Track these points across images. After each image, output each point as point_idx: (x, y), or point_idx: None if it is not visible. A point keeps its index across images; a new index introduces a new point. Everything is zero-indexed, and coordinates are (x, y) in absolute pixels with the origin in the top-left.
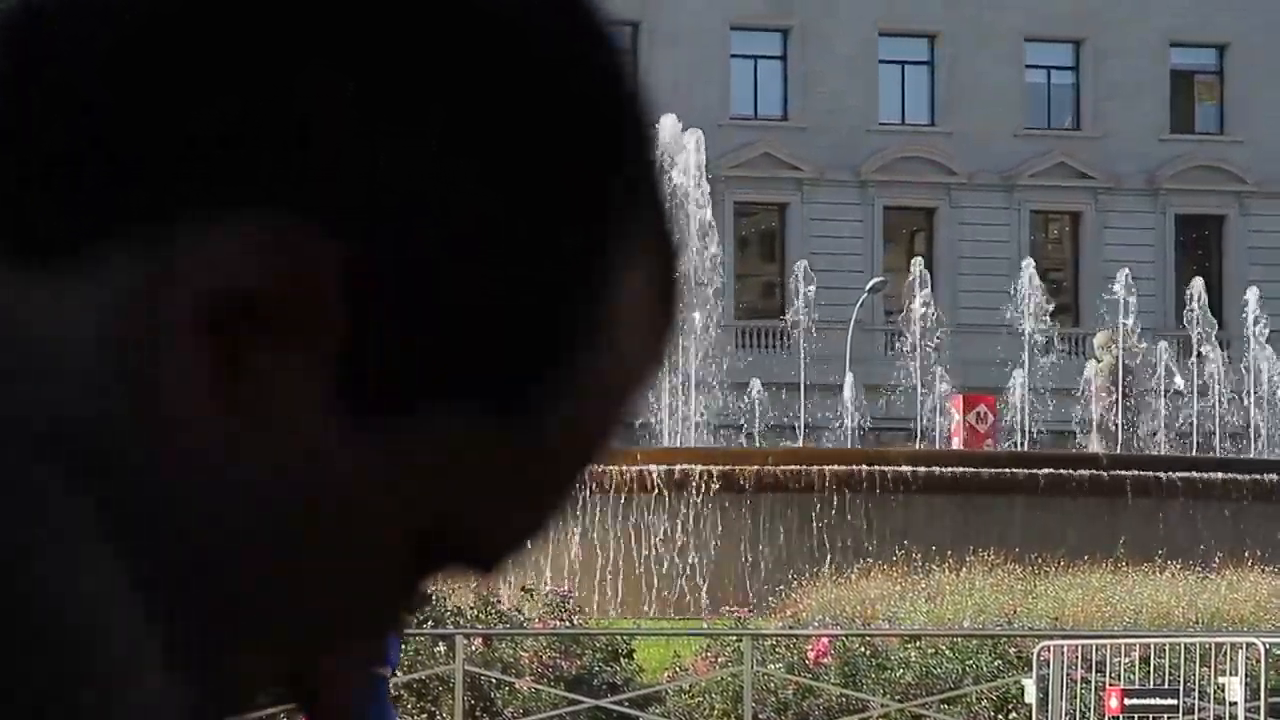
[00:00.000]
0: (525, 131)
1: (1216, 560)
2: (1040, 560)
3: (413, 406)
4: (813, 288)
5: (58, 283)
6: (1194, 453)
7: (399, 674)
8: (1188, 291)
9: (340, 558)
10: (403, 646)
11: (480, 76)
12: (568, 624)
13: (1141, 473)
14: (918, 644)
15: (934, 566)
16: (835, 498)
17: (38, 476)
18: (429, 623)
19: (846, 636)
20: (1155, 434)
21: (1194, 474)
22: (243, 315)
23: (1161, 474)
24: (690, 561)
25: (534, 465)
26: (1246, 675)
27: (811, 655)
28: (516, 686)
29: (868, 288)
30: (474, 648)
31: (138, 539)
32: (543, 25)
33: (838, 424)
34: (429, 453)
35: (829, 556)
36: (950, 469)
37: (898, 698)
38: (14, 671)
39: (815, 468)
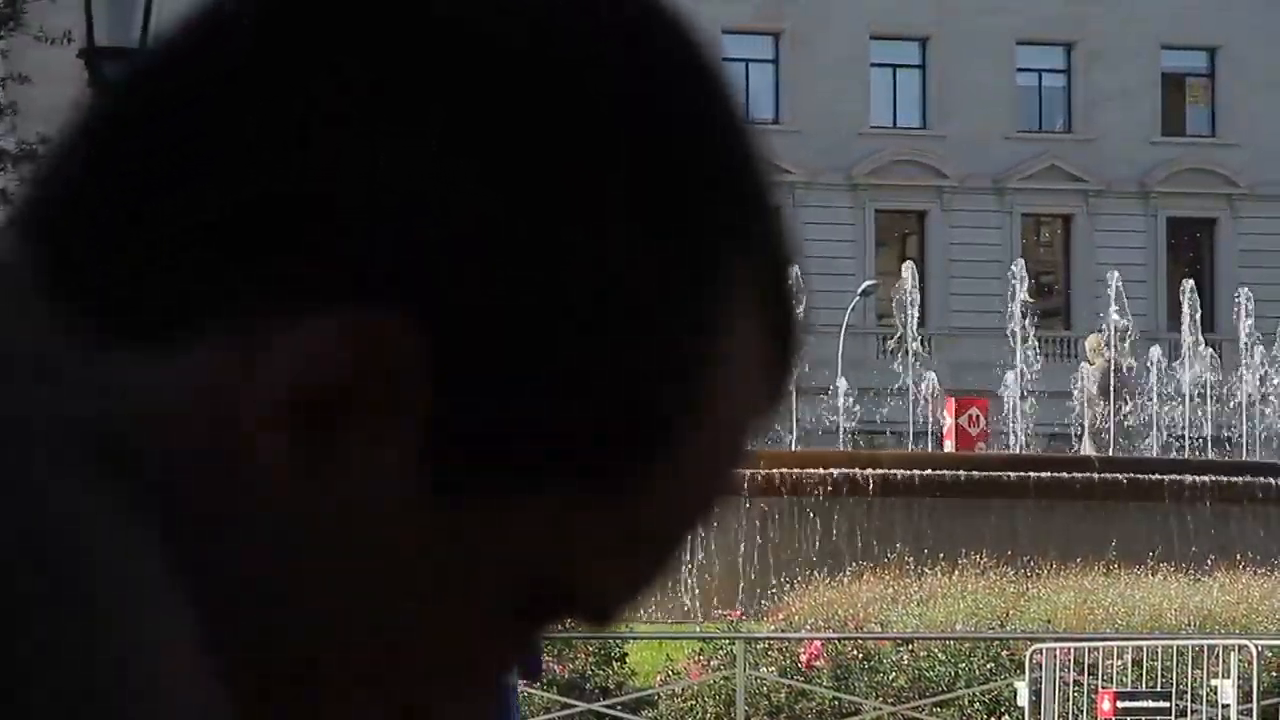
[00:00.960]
0: (598, 191)
1: (1209, 562)
2: (1032, 563)
3: (502, 476)
4: (805, 291)
5: (152, 361)
6: (1186, 455)
7: None
8: (1179, 294)
9: (432, 619)
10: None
11: (539, 139)
12: (560, 627)
13: (1133, 475)
14: (910, 647)
15: (926, 570)
16: (827, 501)
17: (136, 537)
18: None
19: (839, 640)
20: (1147, 436)
21: (1186, 476)
22: (326, 403)
23: (1153, 476)
24: (683, 565)
25: (639, 523)
26: (1239, 678)
27: (804, 658)
28: None
29: (860, 291)
30: None
31: (222, 594)
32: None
33: (830, 427)
34: (523, 518)
35: (821, 560)
36: (942, 472)
37: (890, 701)
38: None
39: (807, 471)
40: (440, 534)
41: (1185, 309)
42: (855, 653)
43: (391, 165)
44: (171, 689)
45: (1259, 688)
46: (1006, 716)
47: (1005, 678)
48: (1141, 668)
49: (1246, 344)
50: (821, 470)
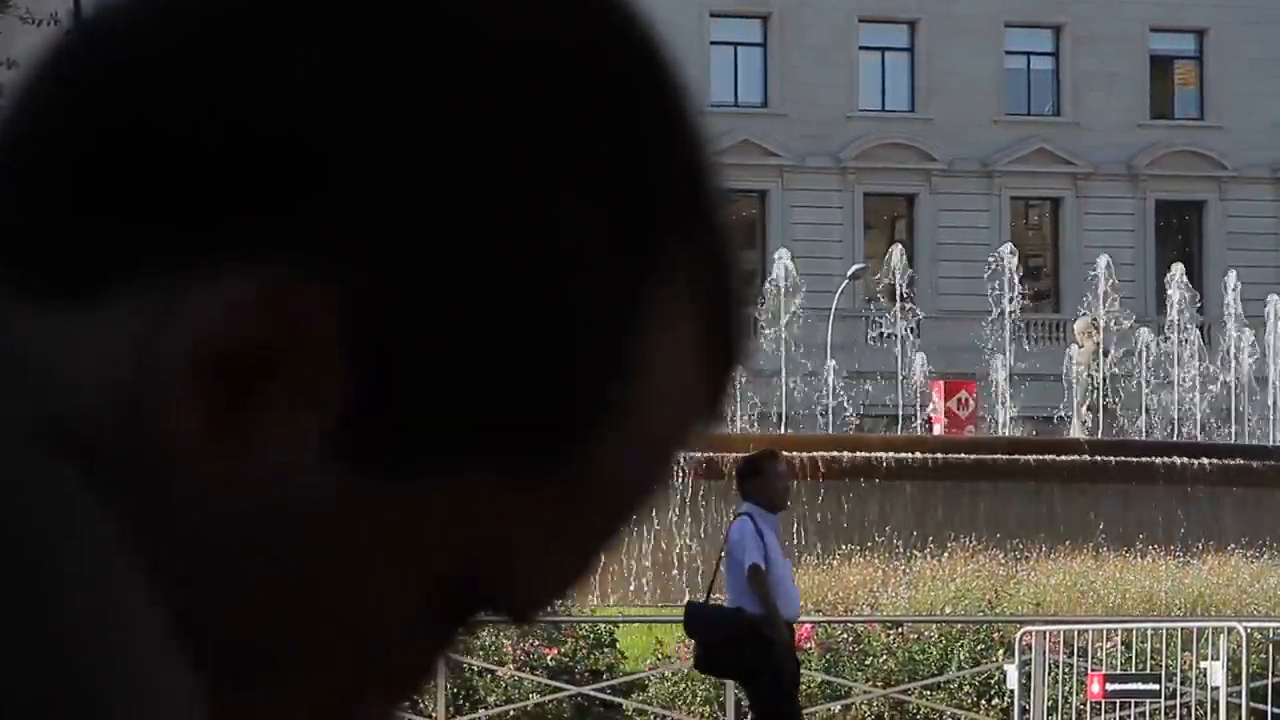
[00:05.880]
0: (535, 168)
1: (1200, 545)
2: (1022, 546)
3: (417, 460)
4: (793, 274)
5: (79, 315)
6: (1174, 437)
7: None
8: (1168, 277)
9: (345, 601)
10: None
11: (488, 109)
12: (550, 611)
13: (1122, 458)
14: (899, 630)
15: (916, 552)
16: (816, 484)
17: (67, 490)
18: None
19: (828, 623)
20: (1136, 419)
21: (1175, 459)
22: (237, 365)
23: (1142, 459)
24: (672, 549)
25: (560, 519)
26: (1228, 660)
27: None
28: (499, 674)
29: (848, 274)
30: None
31: (150, 559)
32: (552, 50)
33: (819, 410)
34: (439, 506)
35: (810, 543)
36: (931, 455)
37: (880, 684)
38: (40, 682)
39: (796, 454)
40: (357, 515)
41: (1174, 292)
42: (844, 635)
43: (323, 134)
44: (145, 677)
45: (1248, 670)
46: (996, 699)
47: (995, 660)
48: (1131, 650)
49: (1235, 326)
50: (810, 453)
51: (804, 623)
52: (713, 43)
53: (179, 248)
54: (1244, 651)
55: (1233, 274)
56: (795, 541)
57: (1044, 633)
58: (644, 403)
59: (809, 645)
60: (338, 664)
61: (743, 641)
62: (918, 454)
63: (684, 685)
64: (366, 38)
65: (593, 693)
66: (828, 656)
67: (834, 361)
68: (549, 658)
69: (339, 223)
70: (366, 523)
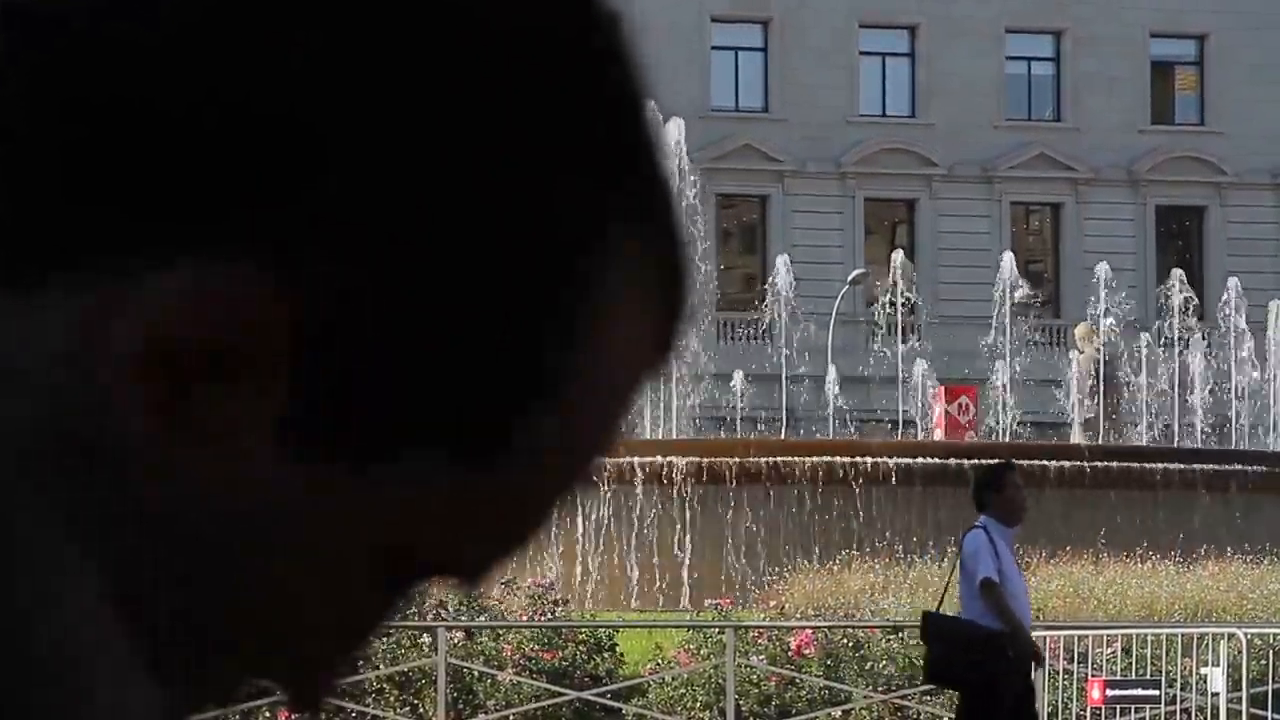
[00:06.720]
0: (535, 156)
1: (1202, 551)
2: (1022, 551)
3: (368, 451)
4: (794, 279)
5: (24, 305)
6: (1175, 443)
7: (380, 666)
8: (1168, 282)
9: (297, 582)
10: (384, 639)
11: (489, 95)
12: (550, 616)
13: (1123, 464)
14: (900, 635)
15: (916, 558)
16: (817, 489)
17: (19, 491)
18: (411, 615)
19: (829, 628)
20: (1137, 425)
21: (1175, 465)
22: (186, 357)
23: (1143, 465)
24: (672, 553)
25: (507, 501)
26: (1228, 666)
27: (794, 646)
28: (498, 679)
29: (849, 279)
30: (456, 640)
31: (104, 554)
32: (550, 35)
33: (820, 416)
34: (389, 493)
35: (811, 548)
36: (932, 460)
37: (880, 689)
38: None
39: (797, 459)
40: (315, 502)
41: (1175, 297)
42: (845, 640)
43: (323, 119)
44: (94, 667)
45: (1248, 676)
46: None
47: None
48: (1131, 656)
49: (1236, 332)
50: (811, 458)
51: (805, 627)
52: (713, 47)
53: (137, 237)
54: (1244, 657)
55: (1233, 279)
56: (797, 546)
57: (1044, 638)
58: (593, 379)
59: (809, 651)
60: (297, 640)
61: (975, 652)
62: (918, 459)
63: (683, 690)
64: (366, 20)
65: (592, 697)
66: (828, 661)
67: (834, 367)
68: (548, 662)
69: (326, 212)
70: (324, 509)
